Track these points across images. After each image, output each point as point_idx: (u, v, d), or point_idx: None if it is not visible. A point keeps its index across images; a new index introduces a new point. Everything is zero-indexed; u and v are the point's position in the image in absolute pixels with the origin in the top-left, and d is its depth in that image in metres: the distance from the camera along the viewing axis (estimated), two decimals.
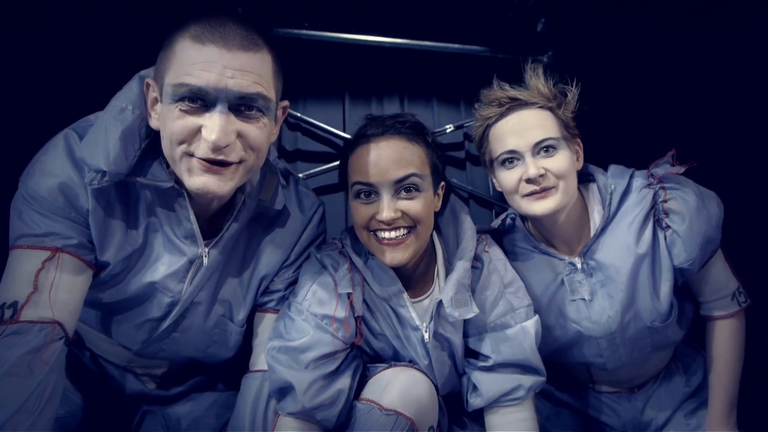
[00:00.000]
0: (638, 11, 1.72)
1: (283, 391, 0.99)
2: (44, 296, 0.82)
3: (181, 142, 0.82)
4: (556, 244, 1.20)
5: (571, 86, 1.13)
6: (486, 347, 1.08)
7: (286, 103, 0.98)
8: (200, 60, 0.79)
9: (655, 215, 1.13)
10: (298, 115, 1.75)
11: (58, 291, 0.84)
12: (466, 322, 1.10)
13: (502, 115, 1.11)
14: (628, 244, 1.11)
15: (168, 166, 0.91)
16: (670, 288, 1.12)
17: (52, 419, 0.80)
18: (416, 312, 1.08)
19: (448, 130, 1.81)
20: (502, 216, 1.36)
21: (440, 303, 1.04)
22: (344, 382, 1.02)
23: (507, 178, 1.11)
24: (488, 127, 1.14)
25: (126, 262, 0.95)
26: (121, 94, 0.91)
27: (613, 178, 1.17)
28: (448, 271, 1.10)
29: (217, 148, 0.81)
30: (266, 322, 1.09)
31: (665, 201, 1.11)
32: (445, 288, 1.03)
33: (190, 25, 0.82)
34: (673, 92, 1.65)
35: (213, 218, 1.00)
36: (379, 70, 1.87)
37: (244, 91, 0.81)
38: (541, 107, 1.10)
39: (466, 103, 1.92)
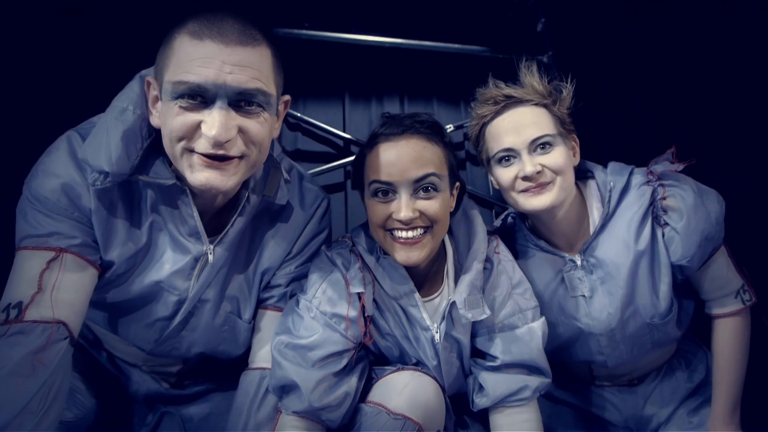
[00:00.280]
0: (638, 11, 1.72)
1: (287, 388, 0.99)
2: (47, 296, 0.83)
3: (180, 139, 0.82)
4: (556, 242, 1.20)
5: (566, 83, 1.13)
6: (493, 348, 1.07)
7: (287, 97, 0.97)
8: (198, 56, 0.79)
9: (654, 212, 1.13)
10: (298, 115, 1.76)
11: (61, 291, 0.84)
12: (474, 322, 1.09)
13: (497, 113, 1.11)
14: (627, 241, 1.11)
15: (171, 164, 0.91)
16: (669, 285, 1.12)
17: (56, 420, 0.80)
18: (427, 312, 1.08)
19: (448, 130, 1.82)
20: (503, 215, 1.36)
21: (453, 304, 1.03)
22: (351, 383, 1.02)
23: (504, 176, 1.11)
24: (484, 125, 1.14)
25: (131, 261, 0.95)
26: (122, 94, 0.92)
27: (612, 175, 1.17)
28: (458, 271, 1.10)
29: (217, 144, 0.81)
30: (267, 320, 1.09)
31: (664, 198, 1.11)
32: (458, 289, 1.03)
33: (187, 21, 0.82)
34: (672, 92, 1.65)
35: (217, 215, 1.00)
36: (379, 70, 1.88)
37: (243, 86, 0.81)
38: (536, 104, 1.10)
39: (466, 103, 1.93)
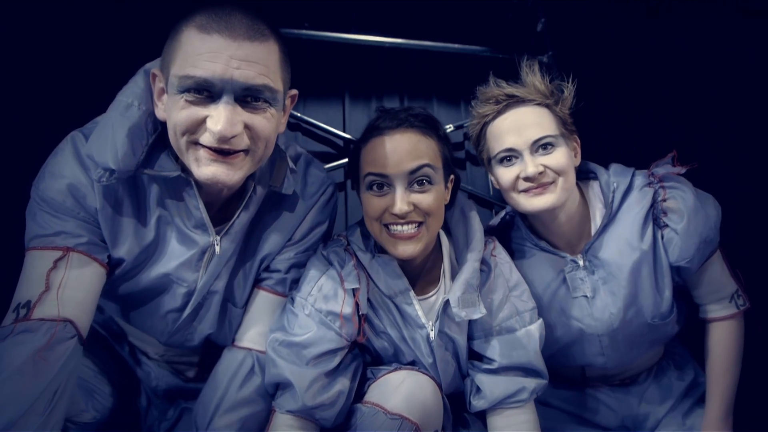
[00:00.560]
0: (638, 11, 1.72)
1: (281, 386, 0.99)
2: (53, 294, 0.83)
3: (185, 132, 0.82)
4: (556, 242, 1.19)
5: (568, 83, 1.13)
6: (491, 350, 1.08)
7: (294, 92, 0.97)
8: (206, 50, 0.79)
9: (654, 214, 1.13)
10: (298, 115, 1.76)
11: (67, 289, 0.85)
12: (471, 324, 1.10)
13: (499, 113, 1.11)
14: (631, 241, 1.11)
15: (176, 158, 0.91)
16: (671, 286, 1.13)
17: (62, 419, 0.80)
18: (422, 310, 1.08)
19: (448, 130, 1.81)
20: (501, 214, 1.36)
21: (447, 302, 1.04)
22: (344, 382, 1.02)
23: (505, 176, 1.11)
24: (485, 124, 1.14)
25: (141, 257, 0.96)
26: (126, 89, 0.91)
27: (615, 176, 1.17)
28: (455, 270, 1.11)
29: (222, 139, 0.81)
30: (259, 300, 1.08)
31: (664, 200, 1.12)
32: (453, 288, 1.03)
33: (195, 15, 0.82)
34: (672, 92, 1.65)
35: (224, 206, 1.00)
36: (379, 70, 1.88)
37: (250, 82, 0.81)
38: (538, 104, 1.10)
39: (466, 103, 1.92)
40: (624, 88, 1.74)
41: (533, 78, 1.11)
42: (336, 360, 1.02)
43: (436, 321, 1.06)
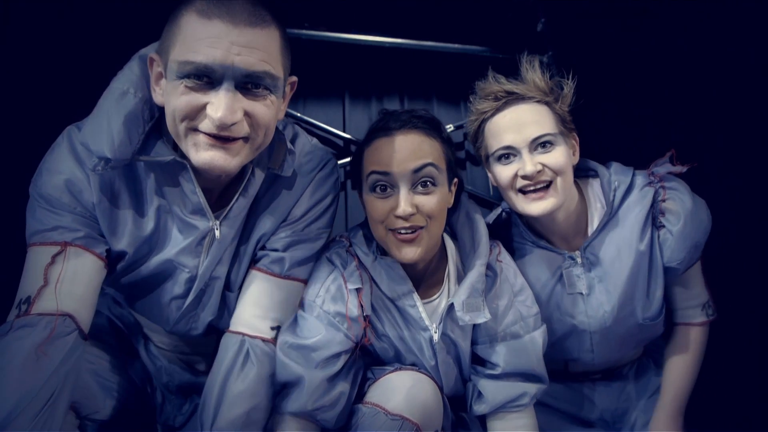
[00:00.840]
0: (638, 11, 1.72)
1: (288, 386, 0.99)
2: (51, 289, 0.83)
3: (184, 118, 0.81)
4: (553, 239, 1.19)
5: (568, 80, 1.12)
6: (495, 356, 1.08)
7: (294, 78, 0.96)
8: (206, 36, 0.78)
9: (653, 214, 1.13)
10: (298, 115, 1.76)
11: (65, 283, 0.85)
12: (475, 328, 1.10)
13: (498, 110, 1.10)
14: (630, 241, 1.11)
15: (174, 146, 0.90)
16: (662, 287, 1.14)
17: (64, 414, 0.80)
18: (426, 312, 1.07)
19: (449, 130, 1.81)
20: (497, 210, 1.35)
21: (452, 306, 1.03)
22: (345, 384, 1.02)
23: (502, 174, 1.11)
24: (484, 121, 1.13)
25: (143, 248, 0.96)
26: (121, 75, 0.90)
27: (616, 175, 1.17)
28: (460, 273, 1.10)
29: (223, 126, 0.80)
30: (255, 280, 1.03)
31: (664, 200, 1.12)
32: (458, 291, 1.03)
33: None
34: (672, 92, 1.65)
35: (223, 192, 1.00)
36: (379, 70, 1.88)
37: (251, 69, 0.80)
38: (537, 102, 1.09)
39: (466, 103, 1.90)
40: (624, 88, 1.74)
41: (533, 74, 1.11)
42: (341, 362, 1.02)
43: (439, 324, 1.06)
